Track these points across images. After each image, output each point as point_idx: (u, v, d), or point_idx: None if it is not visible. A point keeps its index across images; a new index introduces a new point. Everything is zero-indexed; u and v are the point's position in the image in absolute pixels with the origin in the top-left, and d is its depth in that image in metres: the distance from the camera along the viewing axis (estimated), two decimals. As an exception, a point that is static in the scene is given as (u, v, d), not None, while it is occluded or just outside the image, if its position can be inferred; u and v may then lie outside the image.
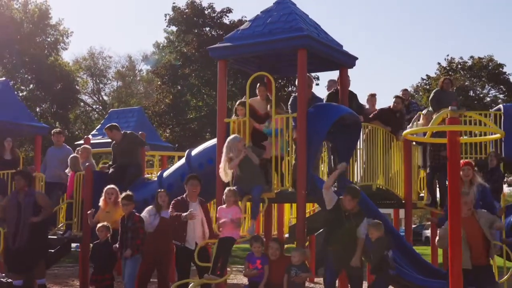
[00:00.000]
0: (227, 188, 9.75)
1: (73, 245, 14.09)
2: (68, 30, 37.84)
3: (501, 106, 15.82)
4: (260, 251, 9.52)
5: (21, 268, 10.86)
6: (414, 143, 13.24)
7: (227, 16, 32.70)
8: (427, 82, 39.21)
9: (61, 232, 12.75)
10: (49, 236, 11.88)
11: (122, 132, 12.85)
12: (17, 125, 14.69)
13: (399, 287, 10.06)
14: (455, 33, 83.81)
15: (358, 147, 12.11)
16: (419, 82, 40.14)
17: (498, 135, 5.41)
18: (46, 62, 34.97)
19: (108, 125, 13.16)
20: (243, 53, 10.86)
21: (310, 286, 14.41)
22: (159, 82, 33.79)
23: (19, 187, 10.98)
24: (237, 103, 10.88)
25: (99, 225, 10.21)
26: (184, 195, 10.05)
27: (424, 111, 13.97)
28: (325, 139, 11.38)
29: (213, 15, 32.65)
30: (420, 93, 38.33)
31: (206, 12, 32.64)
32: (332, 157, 11.66)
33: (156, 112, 32.08)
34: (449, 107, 5.57)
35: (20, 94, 37.08)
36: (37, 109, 37.09)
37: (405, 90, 15.71)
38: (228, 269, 10.32)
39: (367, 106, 13.71)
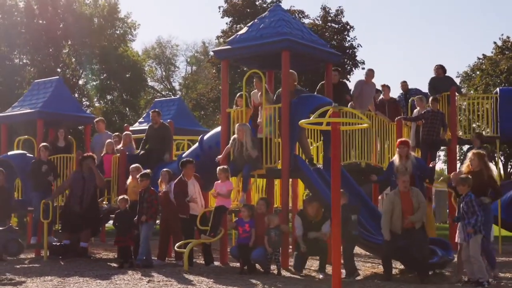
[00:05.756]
0: (218, 167, 11.94)
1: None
2: (135, 23, 40.35)
3: (498, 89, 17.34)
4: (248, 216, 11.30)
5: (77, 228, 13.48)
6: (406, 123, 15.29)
7: (277, 6, 34.48)
8: (482, 62, 39.74)
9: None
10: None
11: (161, 121, 15.18)
12: (70, 116, 17.36)
13: (363, 247, 12.11)
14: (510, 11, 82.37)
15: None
16: (475, 62, 40.73)
17: (366, 125, 7.35)
18: (115, 53, 37.54)
19: (157, 110, 15.59)
20: (240, 55, 13.05)
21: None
22: (213, 70, 36.13)
23: (87, 167, 13.75)
24: (237, 95, 13.03)
25: (119, 197, 12.57)
26: (181, 176, 12.29)
27: (416, 98, 15.76)
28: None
29: (264, 5, 34.54)
30: (477, 72, 38.98)
31: (257, 3, 34.68)
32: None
33: (211, 98, 34.55)
34: (332, 104, 7.63)
35: (94, 84, 40.19)
36: (108, 97, 40.06)
37: (404, 82, 17.58)
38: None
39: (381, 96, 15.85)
